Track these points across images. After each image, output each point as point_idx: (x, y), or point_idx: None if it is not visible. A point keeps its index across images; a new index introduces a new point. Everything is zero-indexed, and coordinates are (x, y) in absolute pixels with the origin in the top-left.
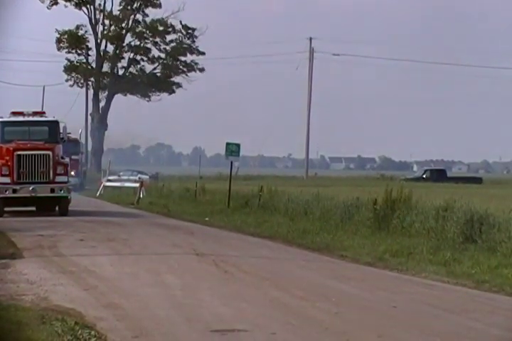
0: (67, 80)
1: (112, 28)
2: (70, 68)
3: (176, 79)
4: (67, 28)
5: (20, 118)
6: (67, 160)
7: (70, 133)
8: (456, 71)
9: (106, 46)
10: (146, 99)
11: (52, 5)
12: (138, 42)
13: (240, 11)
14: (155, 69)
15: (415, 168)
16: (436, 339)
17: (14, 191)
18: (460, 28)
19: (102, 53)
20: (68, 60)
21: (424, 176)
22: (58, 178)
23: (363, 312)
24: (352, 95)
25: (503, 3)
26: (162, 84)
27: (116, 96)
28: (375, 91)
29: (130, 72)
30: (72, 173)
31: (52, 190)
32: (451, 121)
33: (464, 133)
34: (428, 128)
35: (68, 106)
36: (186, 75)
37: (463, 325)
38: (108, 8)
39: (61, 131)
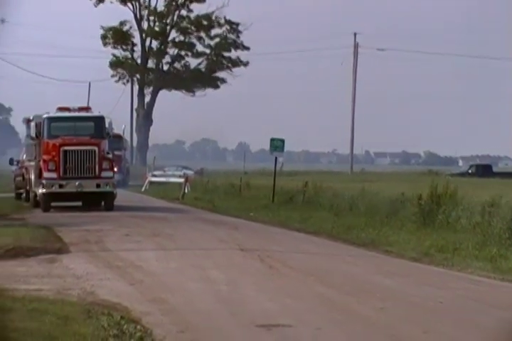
0: (112, 76)
1: (157, 23)
2: (115, 64)
3: (221, 74)
4: (112, 25)
5: (67, 114)
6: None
7: (113, 129)
8: (504, 66)
9: (151, 42)
10: (191, 94)
11: (99, 2)
12: (182, 38)
13: (285, 6)
14: (199, 64)
15: (461, 163)
16: (483, 335)
17: (60, 186)
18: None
19: (146, 49)
20: (114, 55)
21: (470, 171)
22: (104, 173)
23: (409, 308)
24: (397, 90)
25: None
26: (206, 79)
27: (161, 91)
28: (420, 86)
29: (175, 68)
30: (115, 169)
31: (98, 185)
32: (498, 116)
33: (511, 128)
34: (474, 123)
35: (113, 102)
36: (231, 70)
37: (509, 321)
38: (153, 4)
39: (107, 126)
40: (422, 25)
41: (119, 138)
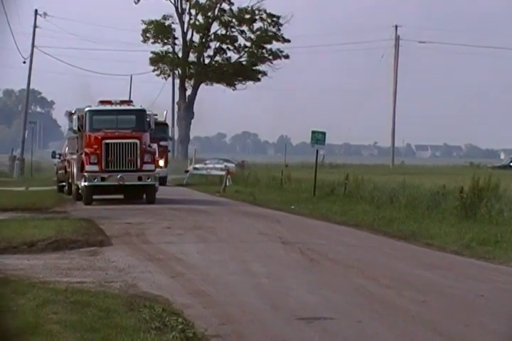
0: (154, 70)
1: (199, 17)
2: (156, 58)
3: (261, 67)
4: (153, 19)
5: (108, 107)
6: (154, 148)
7: (156, 115)
8: None
9: (192, 35)
10: (232, 87)
11: None
12: (224, 31)
13: None
14: (240, 57)
15: (502, 156)
16: None
17: (102, 179)
18: None
19: (188, 43)
20: (153, 52)
21: (511, 164)
22: (145, 166)
23: (450, 301)
24: (438, 83)
25: None
26: (247, 72)
27: (202, 85)
28: (460, 78)
29: (216, 61)
30: (161, 163)
31: (140, 178)
32: None
33: None
34: None
35: (155, 95)
36: (271, 63)
37: None
38: None
39: (148, 119)
40: (464, 18)
41: (164, 126)
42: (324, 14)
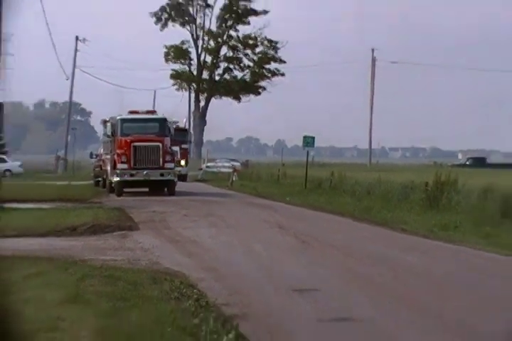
0: (173, 85)
1: (211, 42)
2: (175, 75)
3: (262, 83)
4: (173, 43)
5: (136, 116)
6: (174, 149)
7: (177, 122)
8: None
9: (205, 57)
10: (237, 101)
11: (164, 27)
12: (231, 54)
13: (316, 25)
14: (244, 75)
15: (460, 156)
16: (479, 297)
17: (131, 175)
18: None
19: (201, 63)
20: (173, 70)
21: (468, 163)
22: (167, 165)
23: (417, 277)
24: (409, 95)
25: None
26: (250, 88)
27: (213, 98)
28: (426, 91)
29: (224, 79)
30: (182, 163)
31: (162, 175)
32: (497, 117)
33: (500, 125)
34: (471, 121)
35: (174, 106)
36: (270, 80)
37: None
38: (207, 26)
39: (168, 126)
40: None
41: (185, 131)
42: (319, 39)
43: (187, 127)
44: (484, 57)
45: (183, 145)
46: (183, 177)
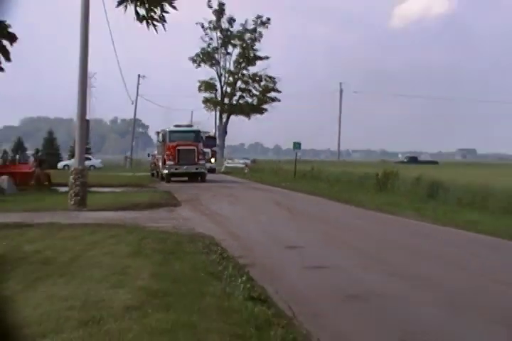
0: (204, 107)
1: (230, 78)
2: (205, 101)
3: (265, 106)
4: (204, 79)
5: (179, 128)
6: (206, 151)
7: (209, 133)
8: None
9: (226, 88)
10: (248, 118)
11: (198, 67)
12: (244, 86)
13: (302, 64)
14: (253, 101)
15: (400, 156)
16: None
17: (176, 169)
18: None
19: (224, 93)
20: (205, 97)
21: (405, 160)
22: (200, 161)
23: (371, 238)
24: (366, 114)
25: None
26: (257, 109)
27: (232, 116)
28: (378, 111)
29: (239, 103)
30: (212, 160)
31: (197, 168)
32: (435, 132)
33: (427, 134)
34: (409, 131)
35: (205, 122)
36: (271, 104)
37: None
38: (228, 67)
39: (201, 135)
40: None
41: (214, 139)
42: (304, 75)
43: (215, 136)
44: (417, 86)
45: (213, 148)
46: (212, 170)
